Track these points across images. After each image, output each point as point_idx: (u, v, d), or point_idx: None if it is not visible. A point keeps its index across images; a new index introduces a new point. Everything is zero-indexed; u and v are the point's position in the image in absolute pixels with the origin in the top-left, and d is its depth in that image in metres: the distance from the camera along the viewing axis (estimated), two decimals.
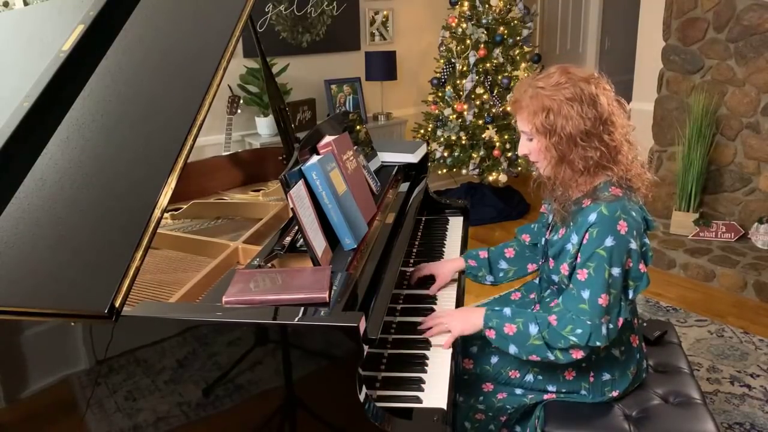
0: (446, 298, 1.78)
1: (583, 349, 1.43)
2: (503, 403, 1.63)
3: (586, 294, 1.42)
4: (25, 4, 3.27)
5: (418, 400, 1.31)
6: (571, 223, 1.50)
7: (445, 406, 1.29)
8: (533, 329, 1.46)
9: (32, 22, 1.82)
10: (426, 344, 1.53)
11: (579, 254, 1.45)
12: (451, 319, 1.55)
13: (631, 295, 1.49)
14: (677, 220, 3.88)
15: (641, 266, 1.47)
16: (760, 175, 3.66)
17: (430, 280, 1.86)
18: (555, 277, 1.57)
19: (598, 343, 1.42)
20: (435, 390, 1.34)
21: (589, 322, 1.41)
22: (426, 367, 1.43)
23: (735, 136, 3.73)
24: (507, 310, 1.52)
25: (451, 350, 1.50)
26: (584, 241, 1.44)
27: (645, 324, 1.94)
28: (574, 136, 1.43)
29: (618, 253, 1.41)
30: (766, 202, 3.66)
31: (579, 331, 1.41)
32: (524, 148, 1.54)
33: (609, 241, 1.41)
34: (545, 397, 1.61)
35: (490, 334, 1.51)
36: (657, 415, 1.57)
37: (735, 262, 3.49)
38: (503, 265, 1.87)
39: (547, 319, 1.46)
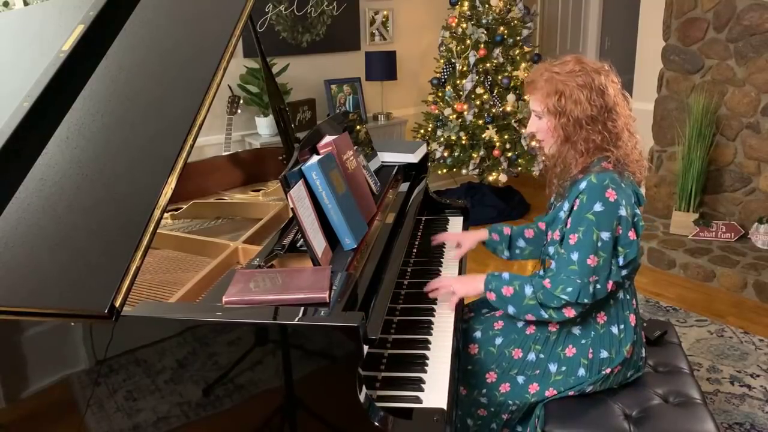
0: (446, 300, 1.77)
1: (574, 306, 1.54)
2: (505, 398, 1.64)
3: (575, 256, 1.52)
4: (25, 4, 3.27)
5: (418, 400, 1.31)
6: (567, 195, 1.62)
7: (445, 406, 1.29)
8: (528, 290, 1.58)
9: (32, 22, 1.82)
10: (426, 344, 1.53)
11: (570, 221, 1.56)
12: (455, 282, 1.72)
13: (621, 262, 1.58)
14: (677, 220, 3.88)
15: (631, 234, 1.56)
16: (760, 175, 3.66)
17: (431, 276, 1.87)
18: (551, 249, 1.65)
19: (585, 300, 1.52)
20: (435, 390, 1.34)
21: (578, 281, 1.51)
22: (426, 367, 1.43)
23: (735, 136, 3.73)
24: (505, 274, 1.64)
25: (450, 349, 1.51)
26: (575, 208, 1.55)
27: (645, 324, 1.94)
28: (581, 120, 1.55)
29: (607, 218, 1.52)
30: (766, 202, 3.66)
31: (569, 289, 1.52)
32: (533, 126, 1.66)
33: (598, 207, 1.52)
34: (546, 393, 1.62)
35: (491, 297, 1.63)
36: (657, 415, 1.58)
37: (735, 262, 3.49)
38: (521, 243, 1.98)
39: (541, 282, 1.57)
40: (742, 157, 3.72)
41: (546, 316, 1.57)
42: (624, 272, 1.60)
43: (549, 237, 1.68)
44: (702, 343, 2.92)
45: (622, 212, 1.53)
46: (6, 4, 3.23)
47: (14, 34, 1.81)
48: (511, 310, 1.62)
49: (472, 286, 1.68)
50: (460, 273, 1.98)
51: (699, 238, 3.79)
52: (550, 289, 1.55)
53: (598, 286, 1.53)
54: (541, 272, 1.80)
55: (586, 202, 1.53)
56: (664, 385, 1.69)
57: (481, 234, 2.01)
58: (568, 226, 1.56)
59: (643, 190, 1.71)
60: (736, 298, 3.38)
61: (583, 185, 1.54)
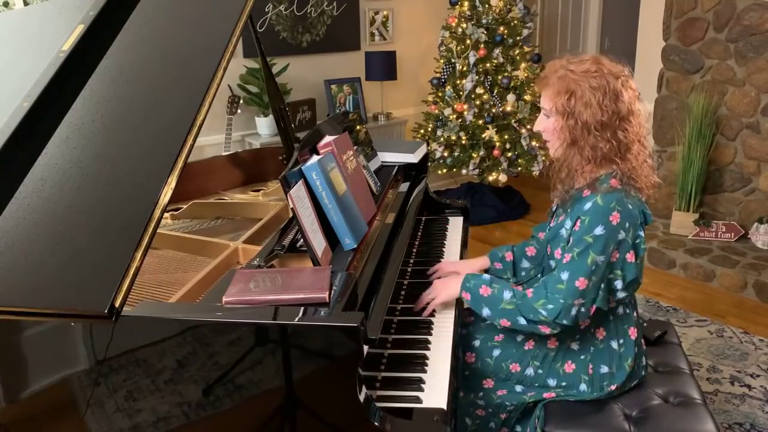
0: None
1: (550, 325, 1.48)
2: (502, 400, 1.64)
3: (564, 275, 1.47)
4: (25, 4, 3.27)
5: (418, 400, 1.31)
6: (569, 209, 1.54)
7: (445, 406, 1.29)
8: (507, 294, 1.53)
9: (32, 22, 1.82)
10: (426, 344, 1.53)
11: (570, 238, 1.49)
12: (433, 290, 1.65)
13: (620, 285, 1.51)
14: (677, 220, 3.88)
15: (629, 256, 1.49)
16: (760, 175, 3.66)
17: (430, 276, 1.88)
18: (552, 263, 1.60)
19: (565, 322, 1.47)
20: (435, 390, 1.34)
21: (561, 301, 1.46)
22: (426, 367, 1.43)
23: (735, 136, 3.73)
24: (486, 276, 1.59)
25: (450, 350, 1.50)
26: (576, 228, 1.48)
27: (645, 324, 1.94)
28: (589, 124, 1.46)
29: (605, 242, 1.45)
30: (766, 202, 3.66)
31: (550, 306, 1.47)
32: (540, 124, 1.58)
33: (599, 230, 1.45)
34: (545, 395, 1.62)
35: (466, 296, 1.59)
36: (657, 415, 1.57)
37: (735, 262, 3.49)
38: (525, 264, 1.90)
39: (523, 292, 1.53)
40: (742, 157, 3.72)
41: (522, 323, 1.51)
42: (623, 294, 1.53)
43: (549, 251, 1.62)
44: (702, 343, 2.92)
45: (622, 236, 1.46)
46: (6, 4, 3.23)
47: (14, 34, 1.81)
48: (485, 312, 1.56)
49: (451, 287, 1.62)
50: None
51: (699, 238, 3.79)
52: (530, 299, 1.50)
53: (582, 310, 1.47)
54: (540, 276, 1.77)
55: (588, 224, 1.46)
56: (664, 385, 1.69)
57: (482, 263, 1.91)
58: (568, 245, 1.49)
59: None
60: (736, 298, 3.38)
61: (587, 206, 1.47)
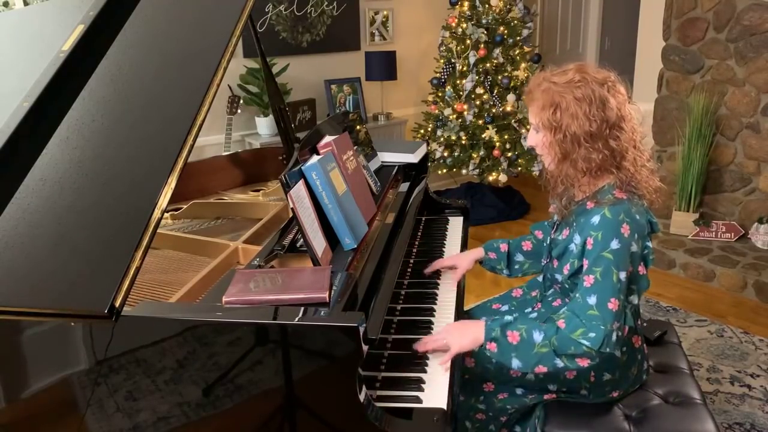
0: (446, 301, 1.77)
1: (592, 357, 1.38)
2: (503, 403, 1.63)
3: (592, 300, 1.38)
4: (25, 4, 3.27)
5: (418, 400, 1.30)
6: (574, 224, 1.51)
7: (445, 406, 1.29)
8: (538, 336, 1.40)
9: (32, 22, 1.82)
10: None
11: (585, 259, 1.43)
12: (448, 334, 1.46)
13: (636, 300, 1.49)
14: (677, 220, 3.89)
15: (641, 268, 1.47)
16: (760, 175, 3.66)
17: (434, 276, 1.88)
18: (558, 276, 1.58)
19: (608, 350, 1.37)
20: (435, 390, 1.34)
21: (602, 327, 1.36)
22: (426, 367, 1.43)
23: (735, 136, 3.73)
24: (508, 316, 1.48)
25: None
26: (589, 246, 1.42)
27: (645, 324, 1.94)
28: (578, 136, 1.42)
29: (624, 256, 1.40)
30: (766, 202, 3.66)
31: (592, 334, 1.36)
32: (531, 140, 1.54)
33: (614, 244, 1.39)
34: (545, 396, 1.61)
35: (492, 347, 1.43)
36: (657, 415, 1.57)
37: (735, 262, 3.49)
38: (519, 257, 1.88)
39: (553, 325, 1.41)
40: (742, 157, 3.72)
41: (559, 365, 1.39)
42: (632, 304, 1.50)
43: (555, 264, 1.58)
44: (702, 343, 2.92)
45: (634, 248, 1.41)
46: (6, 4, 3.22)
47: (14, 34, 1.81)
48: (516, 364, 1.41)
49: (470, 336, 1.44)
50: (459, 285, 1.87)
51: (699, 238, 3.79)
52: (566, 330, 1.38)
53: (620, 334, 1.38)
54: (547, 293, 1.72)
55: (602, 240, 1.39)
56: (664, 385, 1.69)
57: (477, 253, 1.89)
58: (585, 266, 1.42)
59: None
60: (736, 298, 3.38)
61: (596, 220, 1.42)
